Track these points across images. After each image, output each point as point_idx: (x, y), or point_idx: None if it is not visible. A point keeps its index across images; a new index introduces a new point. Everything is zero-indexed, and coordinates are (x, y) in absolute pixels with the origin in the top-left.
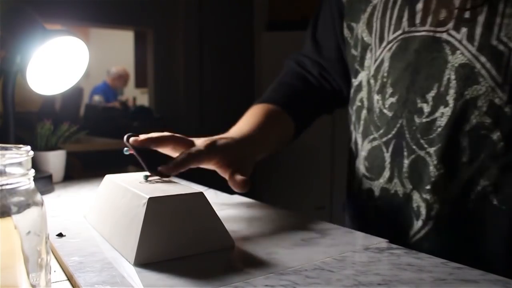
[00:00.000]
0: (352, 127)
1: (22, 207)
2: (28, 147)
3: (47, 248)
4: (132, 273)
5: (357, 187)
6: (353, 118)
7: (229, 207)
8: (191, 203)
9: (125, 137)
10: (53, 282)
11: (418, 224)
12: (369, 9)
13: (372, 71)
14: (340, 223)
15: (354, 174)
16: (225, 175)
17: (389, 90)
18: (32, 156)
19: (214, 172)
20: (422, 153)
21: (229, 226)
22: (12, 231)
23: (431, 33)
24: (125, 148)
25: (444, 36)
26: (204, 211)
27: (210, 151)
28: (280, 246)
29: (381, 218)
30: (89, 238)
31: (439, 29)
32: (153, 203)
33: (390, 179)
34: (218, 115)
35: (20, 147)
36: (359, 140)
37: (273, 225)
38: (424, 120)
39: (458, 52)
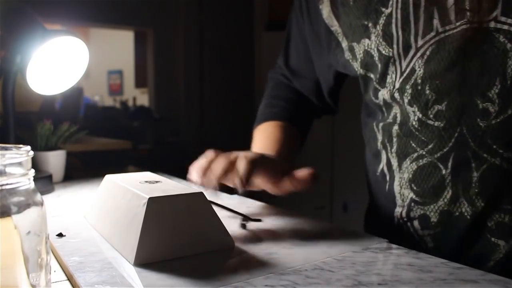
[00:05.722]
0: (378, 147)
1: (22, 207)
2: (28, 147)
3: (47, 248)
4: (132, 273)
5: (401, 216)
6: (380, 137)
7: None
8: (191, 203)
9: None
10: (53, 282)
11: (502, 243)
12: (381, 21)
13: (398, 84)
14: (340, 223)
15: (392, 201)
16: (271, 184)
17: (431, 98)
18: (32, 156)
19: None
20: (497, 160)
21: (229, 226)
22: (12, 231)
23: (473, 25)
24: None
25: (492, 24)
26: (204, 211)
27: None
28: (280, 246)
29: (442, 246)
30: (89, 238)
31: (483, 19)
32: (153, 203)
33: (453, 200)
34: (218, 115)
35: (20, 147)
36: (394, 161)
37: (273, 225)
38: (493, 121)
39: None
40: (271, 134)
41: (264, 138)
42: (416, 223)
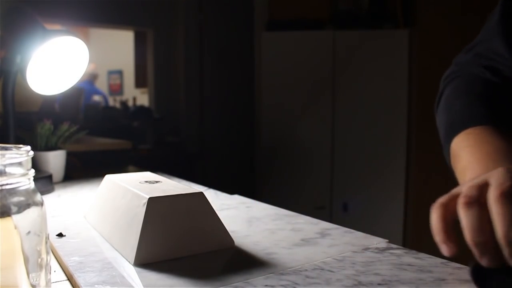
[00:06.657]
0: None
1: (22, 207)
2: (28, 147)
3: (47, 248)
4: (132, 273)
5: None
6: None
7: (229, 207)
8: (191, 203)
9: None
10: (53, 282)
11: None
12: None
13: None
14: (340, 223)
15: None
16: None
17: None
18: (32, 156)
19: (214, 172)
20: None
21: (229, 226)
22: (12, 231)
23: None
24: None
25: None
26: (204, 211)
27: None
28: (280, 246)
29: None
30: (89, 238)
31: None
32: (153, 203)
33: None
34: (218, 115)
35: (20, 147)
36: None
37: (273, 225)
38: None
39: None
40: (488, 145)
41: (481, 151)
42: None
